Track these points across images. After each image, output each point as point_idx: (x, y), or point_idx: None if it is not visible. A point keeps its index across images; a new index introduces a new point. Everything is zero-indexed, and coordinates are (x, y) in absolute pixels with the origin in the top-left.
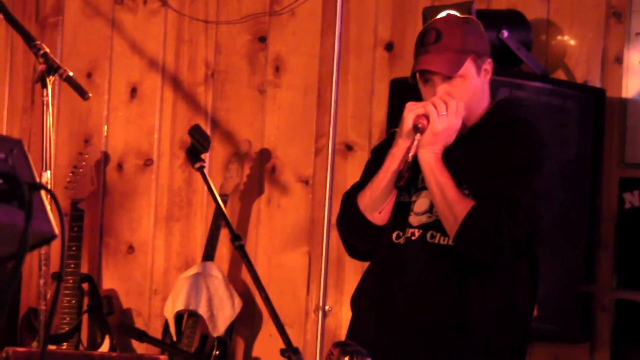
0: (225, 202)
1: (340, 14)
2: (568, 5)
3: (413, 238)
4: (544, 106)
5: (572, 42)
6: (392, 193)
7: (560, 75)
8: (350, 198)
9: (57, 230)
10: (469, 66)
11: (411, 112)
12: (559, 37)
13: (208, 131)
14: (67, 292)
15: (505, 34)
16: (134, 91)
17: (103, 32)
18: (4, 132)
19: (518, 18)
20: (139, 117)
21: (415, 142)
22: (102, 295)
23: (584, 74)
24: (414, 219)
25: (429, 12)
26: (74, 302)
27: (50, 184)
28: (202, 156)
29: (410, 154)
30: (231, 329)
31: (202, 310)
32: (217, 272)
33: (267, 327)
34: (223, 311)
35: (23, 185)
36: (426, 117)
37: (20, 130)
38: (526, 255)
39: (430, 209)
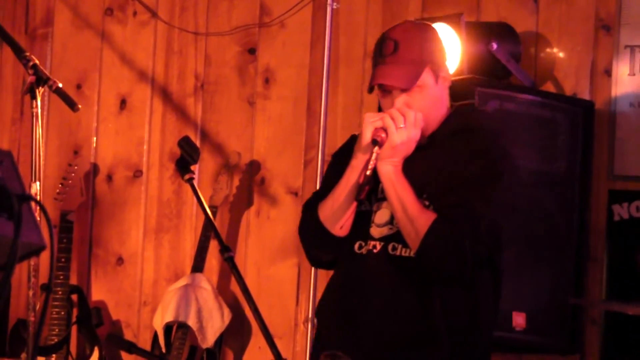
0: (214, 214)
1: (330, 26)
2: (557, 17)
3: (375, 251)
4: (533, 118)
5: (561, 55)
6: (352, 205)
7: (549, 87)
8: (310, 208)
9: (46, 241)
10: (426, 76)
11: (369, 125)
12: (548, 50)
13: (197, 143)
14: (56, 303)
15: (495, 46)
16: (123, 102)
17: (93, 43)
18: None
19: (507, 30)
20: (128, 129)
21: (374, 155)
22: (91, 306)
23: (573, 86)
24: (375, 231)
25: None
26: (63, 313)
27: (40, 195)
28: (192, 168)
29: (369, 167)
30: (220, 340)
31: (192, 322)
32: (206, 283)
33: (256, 339)
34: (212, 323)
35: (12, 197)
36: (384, 130)
37: (9, 142)
38: (488, 266)
39: (391, 220)
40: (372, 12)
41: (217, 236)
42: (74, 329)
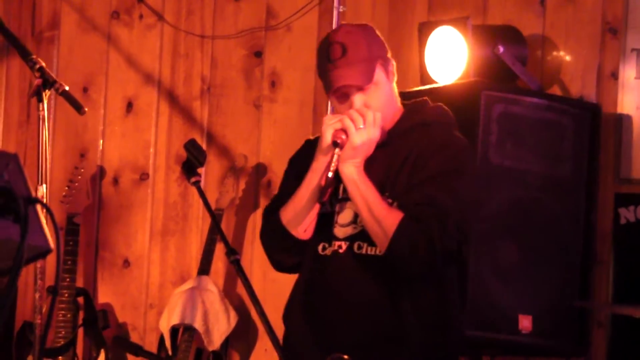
0: (220, 217)
1: None
2: (564, 21)
3: (340, 251)
4: (540, 121)
5: (567, 58)
6: (315, 207)
7: (555, 90)
8: (271, 213)
9: (52, 244)
10: (379, 72)
11: (329, 127)
12: (555, 53)
13: (204, 146)
14: (63, 306)
15: (501, 49)
16: (129, 105)
17: (99, 46)
18: (0, 147)
19: (514, 33)
20: (134, 132)
21: (336, 157)
22: (97, 309)
23: (580, 89)
24: (339, 231)
25: (425, 27)
26: (69, 316)
27: (46, 198)
28: (198, 171)
29: (331, 169)
30: (226, 343)
31: (198, 325)
32: (212, 286)
33: (263, 342)
34: (218, 325)
35: (19, 200)
36: (344, 131)
37: (16, 145)
38: (456, 261)
39: (355, 219)
40: (378, 15)
41: (223, 239)
42: (80, 332)
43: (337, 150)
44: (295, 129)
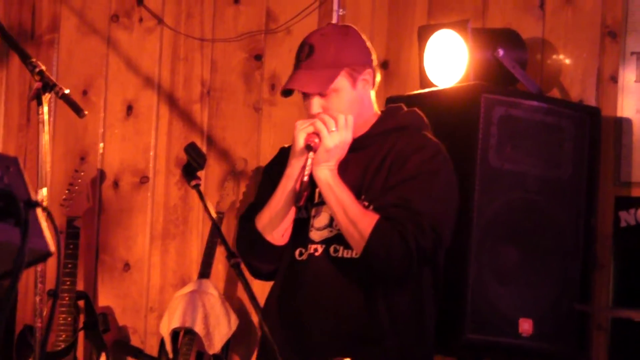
0: (221, 220)
1: None
2: (563, 24)
3: (316, 254)
4: (539, 125)
5: (567, 61)
6: (291, 212)
7: (555, 94)
8: (247, 220)
9: (52, 247)
10: (342, 80)
11: (302, 131)
12: (554, 56)
13: (204, 149)
14: (63, 309)
15: (501, 52)
16: (129, 109)
17: (99, 49)
18: (0, 150)
19: (513, 37)
20: (134, 135)
21: (309, 161)
22: (97, 312)
23: (579, 92)
24: (315, 235)
25: (424, 31)
26: (69, 319)
27: (46, 201)
28: (198, 174)
29: (305, 173)
30: (227, 346)
31: (198, 328)
32: (213, 289)
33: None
34: (219, 329)
35: (19, 203)
36: (317, 134)
37: (16, 148)
38: (431, 262)
39: (331, 223)
40: (378, 18)
41: (224, 242)
42: (80, 335)
43: (310, 153)
44: None
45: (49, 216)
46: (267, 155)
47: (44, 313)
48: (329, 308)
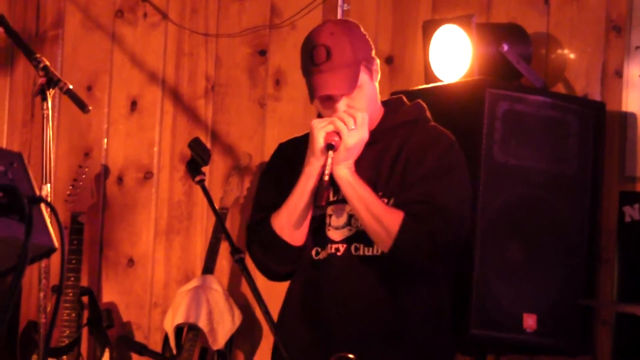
0: (225, 216)
1: None
2: (568, 19)
3: (338, 254)
4: (544, 120)
5: (572, 56)
6: (310, 212)
7: (560, 88)
8: (259, 224)
9: (56, 243)
10: (363, 75)
11: (321, 130)
12: (559, 51)
13: (208, 144)
14: (67, 305)
15: (505, 47)
16: (134, 104)
17: (103, 45)
18: (4, 145)
19: (518, 32)
20: (139, 130)
21: (330, 160)
22: (102, 308)
23: (584, 87)
24: (334, 234)
25: (429, 26)
26: (73, 315)
27: (50, 197)
28: (202, 169)
29: (326, 172)
30: (231, 342)
31: (202, 324)
32: (217, 285)
33: (267, 341)
34: (223, 324)
35: (23, 199)
36: (337, 133)
37: (20, 144)
38: (453, 257)
39: (349, 221)
40: (383, 13)
41: (228, 238)
42: (84, 331)
43: (331, 152)
44: (300, 127)
45: (53, 212)
46: (271, 151)
47: (48, 309)
48: (354, 306)
